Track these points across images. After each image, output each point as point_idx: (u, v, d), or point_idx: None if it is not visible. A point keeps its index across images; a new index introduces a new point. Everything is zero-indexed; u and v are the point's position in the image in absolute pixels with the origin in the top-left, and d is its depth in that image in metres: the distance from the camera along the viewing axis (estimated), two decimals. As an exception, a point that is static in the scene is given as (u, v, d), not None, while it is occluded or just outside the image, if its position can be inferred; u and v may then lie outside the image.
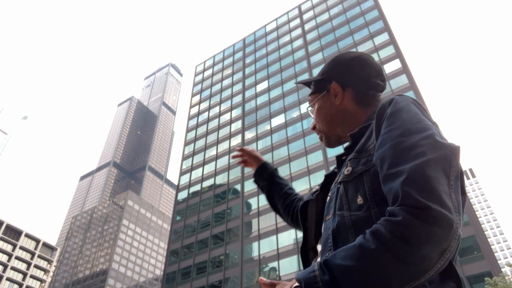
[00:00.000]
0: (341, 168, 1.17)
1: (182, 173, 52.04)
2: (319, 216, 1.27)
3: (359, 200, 0.99)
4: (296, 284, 0.86)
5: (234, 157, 1.84)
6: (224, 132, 52.36)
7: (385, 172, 0.91)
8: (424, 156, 0.86)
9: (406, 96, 1.07)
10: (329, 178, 1.29)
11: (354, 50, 45.04)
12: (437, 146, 0.89)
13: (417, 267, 0.77)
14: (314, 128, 1.37)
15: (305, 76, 47.87)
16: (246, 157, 1.83)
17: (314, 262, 1.06)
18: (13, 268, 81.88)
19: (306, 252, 1.27)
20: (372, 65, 1.28)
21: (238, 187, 44.17)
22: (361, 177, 1.02)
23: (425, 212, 0.77)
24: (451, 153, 0.89)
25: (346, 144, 1.23)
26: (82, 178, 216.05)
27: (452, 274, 0.90)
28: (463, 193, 0.91)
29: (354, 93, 1.27)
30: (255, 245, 37.79)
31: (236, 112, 53.28)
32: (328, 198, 1.17)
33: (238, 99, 54.89)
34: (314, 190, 1.33)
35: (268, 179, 1.75)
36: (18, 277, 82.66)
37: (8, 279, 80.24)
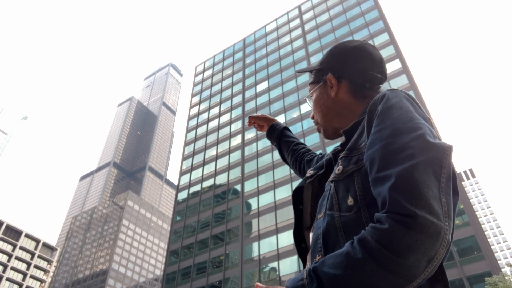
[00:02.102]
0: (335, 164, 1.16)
1: (182, 173, 52.04)
2: (315, 198, 1.26)
3: (350, 200, 0.97)
4: None
5: (249, 125, 1.94)
6: (224, 132, 52.36)
7: (374, 175, 0.89)
8: (413, 159, 0.83)
9: (399, 91, 1.04)
10: (329, 169, 1.26)
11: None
12: (427, 147, 0.86)
13: (403, 276, 0.76)
14: (313, 117, 1.35)
15: (304, 77, 47.92)
16: (257, 123, 1.92)
17: (308, 264, 1.07)
18: (13, 269, 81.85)
19: (301, 232, 1.26)
20: (370, 56, 1.24)
21: (238, 187, 44.17)
22: (351, 176, 1.00)
23: (412, 220, 0.76)
24: (442, 153, 0.86)
25: (342, 140, 1.22)
26: (82, 178, 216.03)
27: (441, 277, 0.89)
28: (455, 193, 0.89)
29: (350, 85, 1.24)
30: (255, 245, 37.78)
31: (236, 112, 53.28)
32: (323, 195, 1.15)
33: (238, 99, 54.90)
34: (308, 175, 1.30)
35: (276, 139, 1.83)
36: (18, 277, 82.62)
37: (8, 279, 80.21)
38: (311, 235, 1.16)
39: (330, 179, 1.09)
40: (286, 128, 1.85)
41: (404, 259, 0.74)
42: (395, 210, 0.78)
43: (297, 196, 1.29)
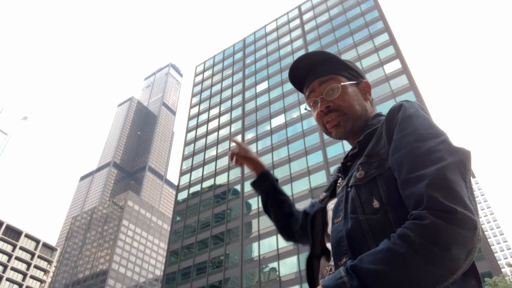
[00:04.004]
0: (349, 172, 1.17)
1: (182, 173, 52.02)
2: (322, 224, 1.27)
3: (375, 203, 1.00)
4: None
5: (231, 160, 1.67)
6: (224, 132, 52.35)
7: (405, 176, 0.93)
8: (443, 161, 0.89)
9: (413, 102, 1.10)
10: (333, 187, 1.30)
11: (354, 50, 44.44)
12: (453, 150, 0.92)
13: (446, 269, 0.79)
14: (327, 107, 1.25)
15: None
16: (241, 160, 1.67)
17: (326, 268, 1.08)
18: (13, 269, 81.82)
19: (311, 261, 1.25)
20: None
21: (238, 187, 44.16)
22: (374, 181, 1.03)
23: (452, 215, 0.80)
24: (465, 157, 0.92)
25: (351, 151, 1.23)
26: (82, 178, 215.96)
27: (472, 271, 0.93)
28: None
29: (371, 99, 1.35)
30: (255, 245, 37.77)
31: (236, 113, 53.26)
32: (335, 202, 1.17)
33: (238, 99, 54.89)
34: (322, 197, 1.32)
35: (266, 191, 1.62)
36: (18, 277, 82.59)
37: (8, 279, 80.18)
38: (328, 245, 1.16)
39: (349, 183, 1.10)
40: (277, 181, 1.67)
41: (448, 252, 0.79)
42: (435, 207, 0.82)
43: (313, 223, 1.29)
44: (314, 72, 1.31)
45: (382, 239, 0.89)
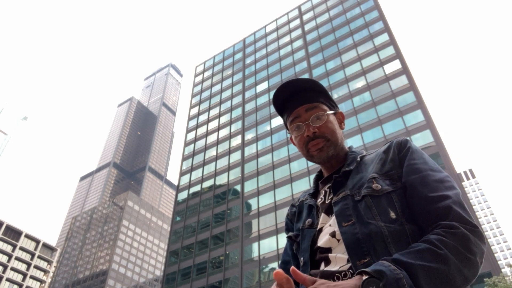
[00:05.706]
0: (342, 187, 1.26)
1: (182, 173, 52.01)
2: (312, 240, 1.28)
3: (392, 214, 1.12)
4: (366, 277, 0.89)
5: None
6: (224, 132, 52.34)
7: (427, 194, 1.10)
8: (456, 188, 1.10)
9: None
10: (313, 209, 1.35)
11: (354, 50, 44.30)
12: (455, 183, 1.14)
13: (472, 273, 0.96)
14: (313, 133, 1.34)
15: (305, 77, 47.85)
16: None
17: (338, 275, 1.10)
18: (13, 269, 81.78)
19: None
20: None
21: (238, 187, 44.16)
22: (389, 195, 1.16)
23: (476, 229, 1.00)
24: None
25: (343, 168, 1.33)
26: (82, 178, 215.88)
27: None
28: None
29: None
30: (255, 245, 37.77)
31: (236, 113, 53.26)
32: (338, 207, 1.21)
33: (238, 99, 54.89)
34: (309, 223, 1.33)
35: None
36: (18, 277, 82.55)
37: (8, 279, 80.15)
38: (334, 241, 1.18)
39: (362, 193, 1.19)
40: None
41: (475, 259, 0.96)
42: (462, 221, 1.01)
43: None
44: (299, 98, 1.39)
45: (399, 246, 1.04)
